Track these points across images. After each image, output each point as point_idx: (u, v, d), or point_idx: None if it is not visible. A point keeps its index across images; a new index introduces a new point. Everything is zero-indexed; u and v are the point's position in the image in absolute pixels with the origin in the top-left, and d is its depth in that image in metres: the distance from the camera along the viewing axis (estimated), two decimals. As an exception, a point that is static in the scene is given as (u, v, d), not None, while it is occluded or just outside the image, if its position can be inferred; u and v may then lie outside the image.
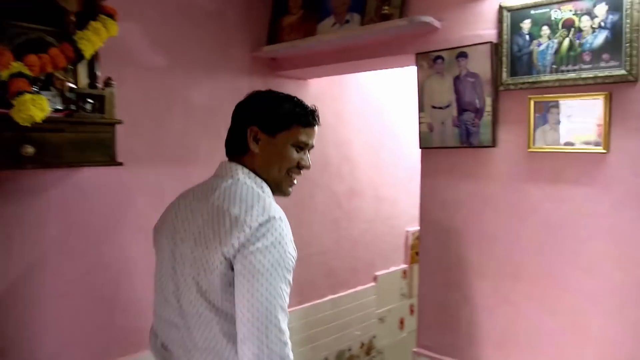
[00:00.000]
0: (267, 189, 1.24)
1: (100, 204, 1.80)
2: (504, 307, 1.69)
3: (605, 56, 1.47)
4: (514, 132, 1.67)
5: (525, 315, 1.65)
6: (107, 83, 1.57)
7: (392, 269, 3.17)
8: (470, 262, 1.78)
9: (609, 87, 1.47)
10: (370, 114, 2.96)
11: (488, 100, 1.70)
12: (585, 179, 1.53)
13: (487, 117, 1.71)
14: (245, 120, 1.24)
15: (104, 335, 1.82)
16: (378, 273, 3.07)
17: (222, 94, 2.17)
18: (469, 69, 1.74)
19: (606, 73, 1.47)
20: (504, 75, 1.66)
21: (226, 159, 1.29)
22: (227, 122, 1.30)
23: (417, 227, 3.42)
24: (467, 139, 1.77)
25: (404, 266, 3.26)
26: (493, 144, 1.71)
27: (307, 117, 1.26)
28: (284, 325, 1.08)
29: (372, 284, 3.03)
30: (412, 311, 3.31)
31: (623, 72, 1.44)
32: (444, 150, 1.85)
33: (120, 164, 1.65)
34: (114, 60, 1.71)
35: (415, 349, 1.93)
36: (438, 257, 1.87)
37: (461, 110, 1.77)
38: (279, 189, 1.27)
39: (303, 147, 1.27)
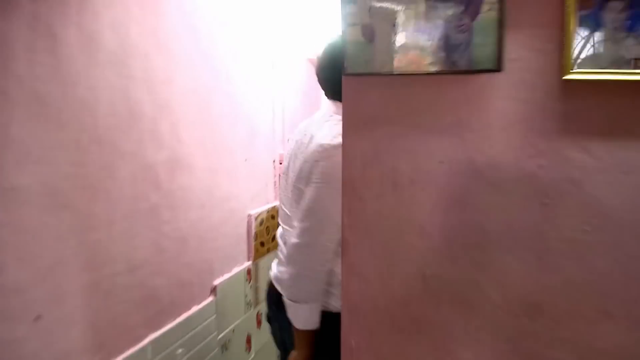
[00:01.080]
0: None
1: None
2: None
3: None
4: (536, 44, 0.90)
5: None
6: None
7: (235, 270, 2.25)
8: (441, 281, 0.98)
9: None
10: (196, 41, 1.93)
11: (490, -18, 0.90)
12: (674, 129, 0.85)
13: (488, 14, 0.91)
14: None
15: None
16: (217, 282, 2.10)
17: None
18: None
19: None
20: None
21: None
22: None
23: (261, 209, 2.56)
24: (448, 57, 0.94)
25: (247, 264, 2.35)
26: (497, 65, 0.91)
27: None
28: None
29: (210, 298, 2.06)
30: (259, 323, 2.45)
31: None
32: (395, 79, 0.99)
33: None
34: None
35: None
36: (375, 265, 1.03)
37: None
38: None
39: None
